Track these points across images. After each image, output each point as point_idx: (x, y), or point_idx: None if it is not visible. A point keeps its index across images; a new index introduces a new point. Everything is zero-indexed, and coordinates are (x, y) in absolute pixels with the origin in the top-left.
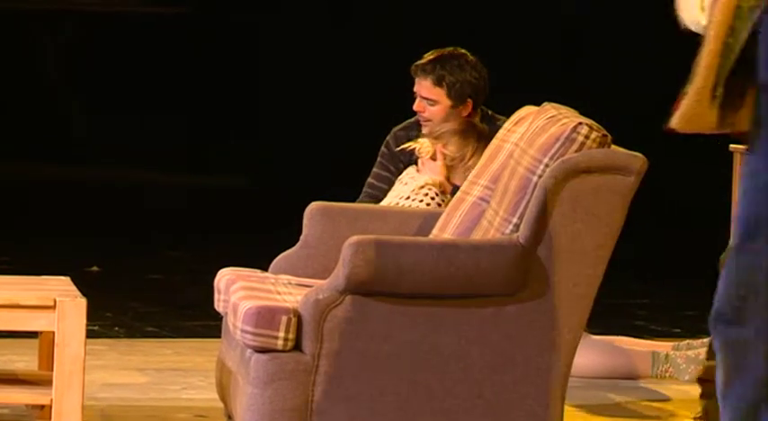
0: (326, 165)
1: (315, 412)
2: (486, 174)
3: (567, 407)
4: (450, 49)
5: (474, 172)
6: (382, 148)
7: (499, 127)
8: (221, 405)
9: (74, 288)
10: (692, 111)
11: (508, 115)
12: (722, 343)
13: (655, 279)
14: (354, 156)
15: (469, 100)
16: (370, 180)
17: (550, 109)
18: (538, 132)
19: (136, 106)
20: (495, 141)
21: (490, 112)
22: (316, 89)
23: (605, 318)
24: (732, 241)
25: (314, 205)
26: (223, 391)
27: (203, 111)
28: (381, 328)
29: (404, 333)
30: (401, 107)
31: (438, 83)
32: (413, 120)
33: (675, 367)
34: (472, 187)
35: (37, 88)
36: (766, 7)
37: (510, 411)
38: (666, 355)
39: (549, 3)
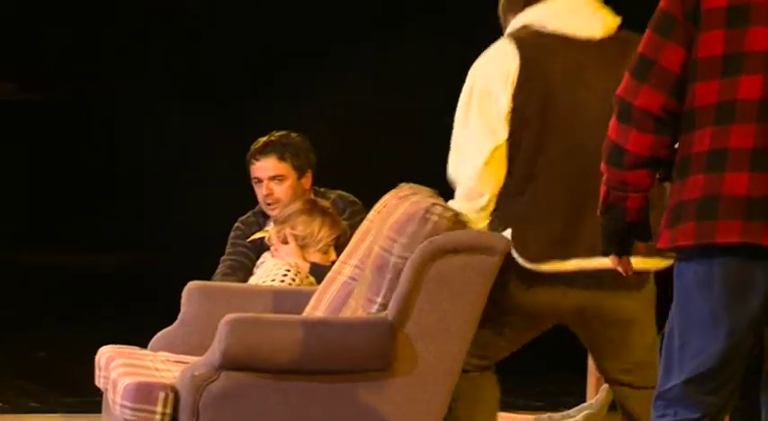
0: (205, 244)
1: None
2: (356, 254)
3: None
4: (275, 133)
5: (345, 252)
6: (231, 235)
7: (332, 199)
8: None
9: None
10: None
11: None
12: None
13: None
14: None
15: (309, 171)
16: (224, 257)
17: (405, 189)
18: (391, 212)
19: (13, 188)
20: (365, 222)
21: (322, 189)
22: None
23: None
24: None
25: (192, 284)
26: None
27: (82, 193)
28: (256, 404)
29: (278, 408)
30: None
31: (281, 158)
32: (255, 210)
33: None
34: (343, 267)
35: None
36: None
37: None
38: None
39: None
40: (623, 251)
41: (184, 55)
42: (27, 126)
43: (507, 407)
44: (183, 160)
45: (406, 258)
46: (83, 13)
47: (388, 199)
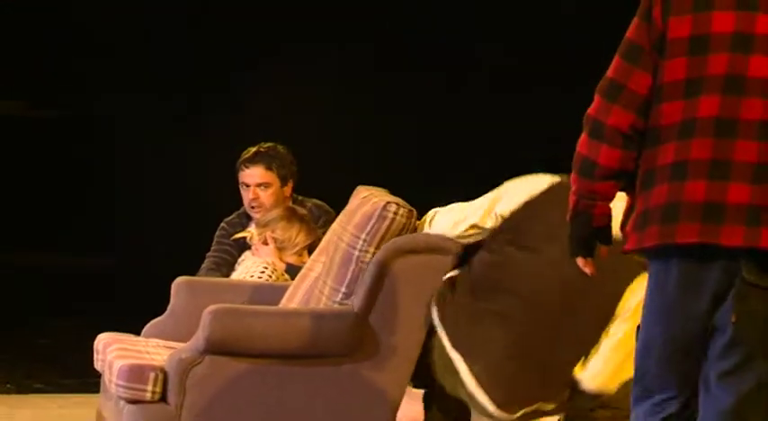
0: (192, 241)
1: None
2: (325, 253)
3: None
4: (263, 144)
5: (316, 251)
6: (216, 234)
7: (308, 207)
8: None
9: None
10: None
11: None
12: None
13: None
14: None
15: (291, 180)
16: (209, 254)
17: (363, 191)
18: (353, 212)
19: (11, 190)
20: (333, 225)
21: (300, 198)
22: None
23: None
24: None
25: (180, 279)
26: None
27: (80, 198)
28: (236, 384)
29: (255, 388)
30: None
31: (268, 167)
32: (239, 211)
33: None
34: (314, 264)
35: None
36: None
37: None
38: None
39: None
40: (589, 253)
41: (181, 59)
42: (25, 130)
43: None
44: (181, 163)
45: (367, 251)
46: (81, 13)
47: (351, 202)
